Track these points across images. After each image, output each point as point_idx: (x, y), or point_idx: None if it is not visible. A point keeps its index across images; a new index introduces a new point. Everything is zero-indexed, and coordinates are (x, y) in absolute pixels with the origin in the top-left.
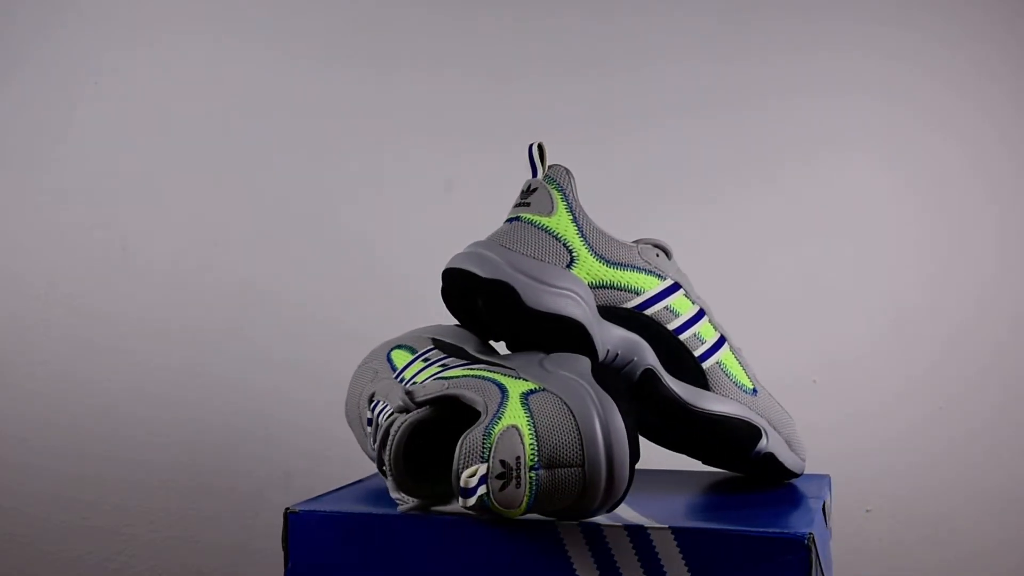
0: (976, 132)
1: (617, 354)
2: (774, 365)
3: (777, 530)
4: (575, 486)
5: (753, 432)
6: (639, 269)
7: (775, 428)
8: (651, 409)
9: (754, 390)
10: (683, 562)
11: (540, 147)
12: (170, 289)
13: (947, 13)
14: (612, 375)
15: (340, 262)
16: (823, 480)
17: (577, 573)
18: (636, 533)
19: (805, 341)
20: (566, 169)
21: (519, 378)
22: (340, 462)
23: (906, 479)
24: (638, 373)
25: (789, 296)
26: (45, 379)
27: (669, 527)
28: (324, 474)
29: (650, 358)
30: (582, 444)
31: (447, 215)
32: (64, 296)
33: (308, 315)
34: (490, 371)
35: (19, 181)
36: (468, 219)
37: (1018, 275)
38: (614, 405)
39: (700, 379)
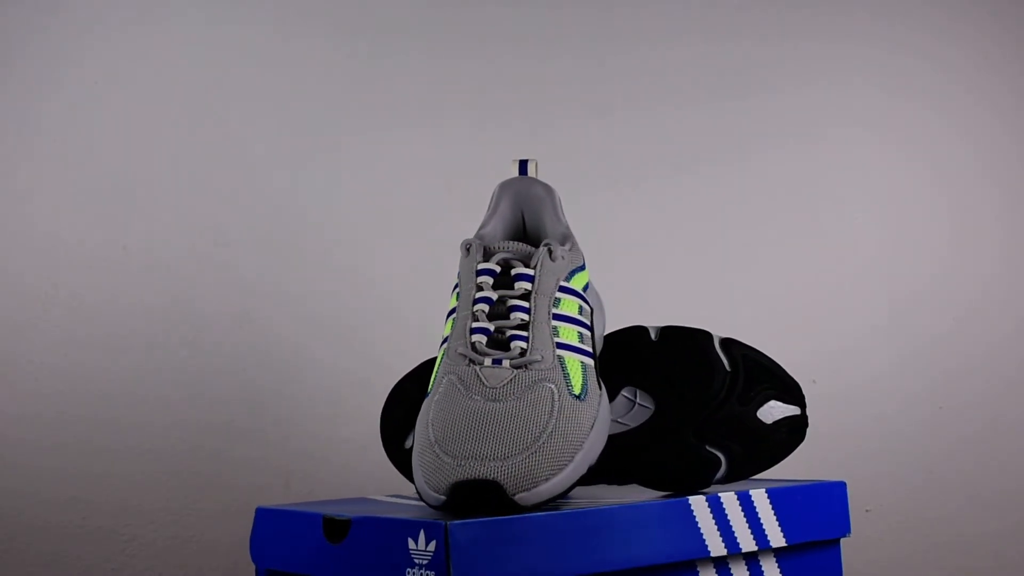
0: (979, 122)
1: None
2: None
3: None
4: None
5: None
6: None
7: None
8: None
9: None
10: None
11: (522, 163)
12: (170, 290)
13: (949, 4)
14: None
15: (341, 262)
16: None
17: None
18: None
19: (805, 341)
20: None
21: None
22: (340, 464)
23: (906, 479)
24: None
25: (788, 294)
26: (44, 379)
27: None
28: (324, 476)
29: None
30: None
31: (448, 214)
32: (64, 296)
33: (309, 316)
34: None
35: (19, 181)
36: (469, 220)
37: (1022, 269)
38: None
39: None
